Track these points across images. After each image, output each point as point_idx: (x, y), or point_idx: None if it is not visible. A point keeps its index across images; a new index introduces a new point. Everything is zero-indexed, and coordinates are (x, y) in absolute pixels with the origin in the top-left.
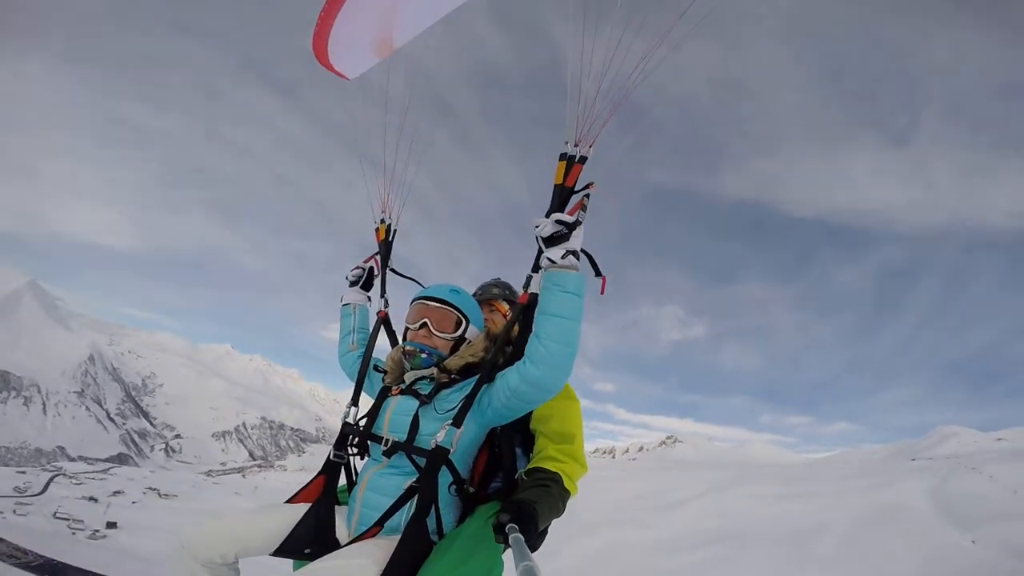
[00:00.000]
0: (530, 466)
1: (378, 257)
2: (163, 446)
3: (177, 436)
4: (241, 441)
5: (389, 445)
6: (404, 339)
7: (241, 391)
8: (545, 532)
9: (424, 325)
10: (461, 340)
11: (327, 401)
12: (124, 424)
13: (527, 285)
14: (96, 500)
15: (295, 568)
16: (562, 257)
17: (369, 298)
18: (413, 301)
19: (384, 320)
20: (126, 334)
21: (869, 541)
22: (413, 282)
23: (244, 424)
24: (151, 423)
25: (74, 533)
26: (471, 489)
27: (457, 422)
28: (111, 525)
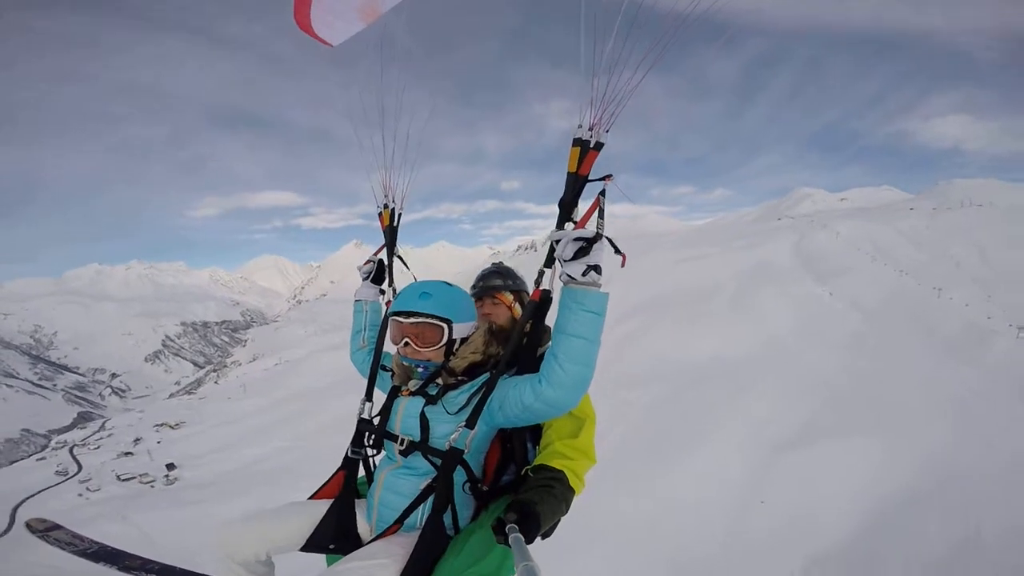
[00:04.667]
0: (536, 462)
1: (385, 249)
2: (109, 391)
3: (114, 375)
4: (176, 354)
5: (405, 445)
6: (398, 352)
7: (139, 305)
8: (555, 526)
9: (407, 344)
10: (451, 343)
11: (232, 282)
12: (56, 386)
13: (539, 280)
14: (132, 453)
15: (327, 560)
16: (583, 274)
17: (382, 291)
18: (388, 317)
19: None
20: None
21: (752, 296)
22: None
23: (168, 337)
24: (78, 374)
25: (152, 486)
26: (484, 487)
27: (471, 423)
28: (171, 467)
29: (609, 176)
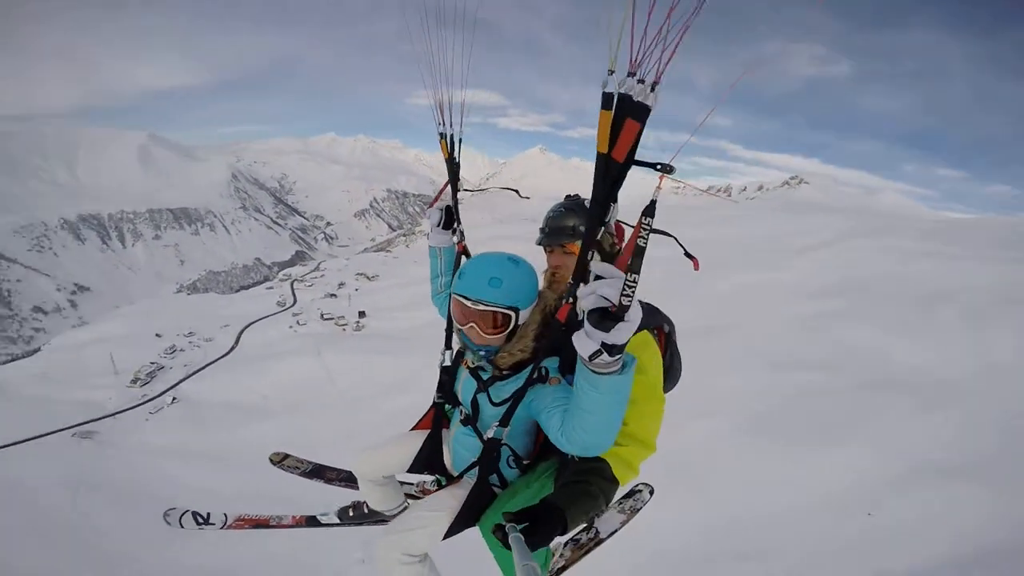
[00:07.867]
0: None
1: (449, 186)
2: (322, 236)
3: (328, 224)
4: (378, 215)
5: (463, 416)
6: (459, 331)
7: (359, 170)
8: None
9: (472, 327)
10: (515, 329)
11: (433, 162)
12: (286, 225)
13: (572, 292)
14: (335, 296)
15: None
16: (592, 356)
17: (455, 231)
18: (453, 294)
19: (464, 253)
20: (244, 148)
21: (991, 319)
22: (513, 193)
23: (375, 199)
24: (304, 218)
25: (344, 329)
26: (526, 462)
27: (504, 422)
28: (362, 315)
29: (666, 167)
